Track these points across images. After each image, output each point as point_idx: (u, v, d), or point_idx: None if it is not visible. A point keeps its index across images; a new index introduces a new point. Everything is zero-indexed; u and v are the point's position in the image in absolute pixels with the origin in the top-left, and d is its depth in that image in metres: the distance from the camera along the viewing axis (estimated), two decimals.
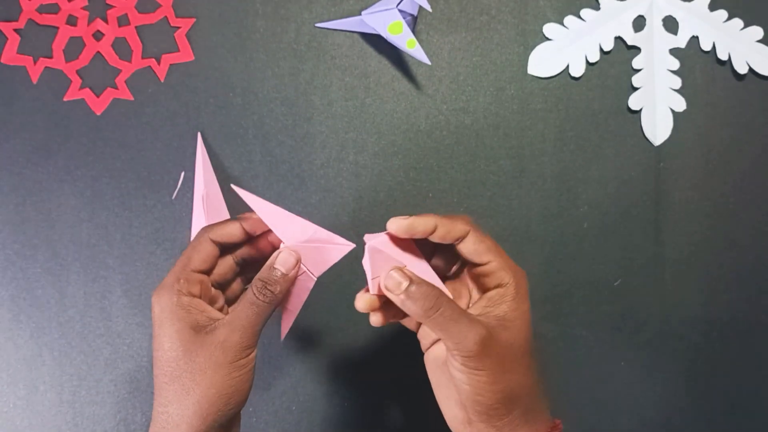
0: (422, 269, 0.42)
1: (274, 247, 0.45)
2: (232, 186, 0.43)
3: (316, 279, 0.43)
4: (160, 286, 0.41)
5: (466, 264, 0.43)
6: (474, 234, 0.41)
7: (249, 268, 0.47)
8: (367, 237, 0.42)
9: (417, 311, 0.39)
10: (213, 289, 0.44)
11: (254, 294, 0.41)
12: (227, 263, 0.45)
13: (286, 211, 0.43)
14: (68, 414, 0.53)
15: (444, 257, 0.45)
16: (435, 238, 0.41)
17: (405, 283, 0.39)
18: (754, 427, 0.55)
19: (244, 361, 0.40)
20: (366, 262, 0.41)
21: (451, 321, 0.39)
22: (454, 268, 0.45)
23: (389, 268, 0.40)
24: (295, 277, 0.43)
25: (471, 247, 0.41)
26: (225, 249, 0.44)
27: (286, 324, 0.45)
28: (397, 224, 0.40)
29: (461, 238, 0.41)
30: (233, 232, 0.43)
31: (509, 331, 0.40)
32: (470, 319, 0.39)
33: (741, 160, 0.55)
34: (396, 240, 0.42)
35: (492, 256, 0.41)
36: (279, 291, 0.41)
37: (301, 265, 0.43)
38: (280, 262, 0.42)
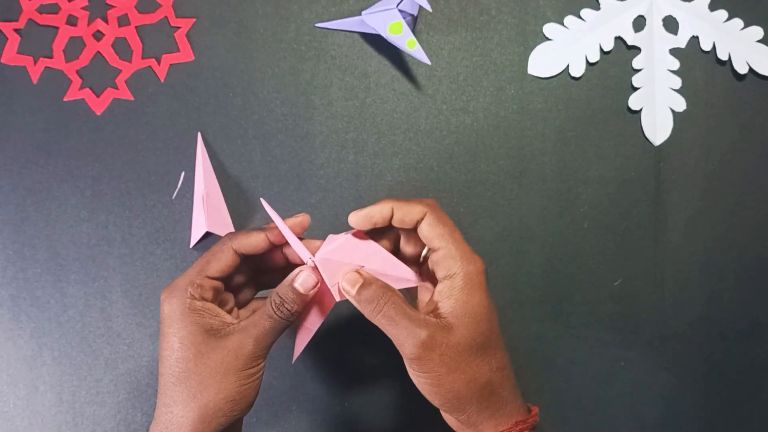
0: (382, 260, 0.42)
1: (290, 262, 0.45)
2: (262, 200, 0.43)
3: (338, 299, 0.42)
4: (171, 287, 0.41)
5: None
6: (430, 216, 0.41)
7: (263, 274, 0.46)
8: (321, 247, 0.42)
9: (365, 311, 0.40)
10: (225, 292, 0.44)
11: (272, 308, 0.41)
12: (242, 268, 0.44)
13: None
14: (68, 414, 0.53)
15: (411, 243, 0.44)
16: (396, 223, 0.42)
17: (358, 284, 0.40)
18: (754, 428, 0.55)
19: (254, 369, 0.40)
20: (321, 274, 0.41)
21: (393, 323, 0.39)
22: (423, 252, 0.45)
23: (347, 271, 0.41)
24: (312, 297, 0.42)
25: (425, 230, 0.41)
26: (246, 257, 0.44)
27: (301, 343, 0.44)
28: (355, 217, 0.42)
29: (420, 221, 0.41)
30: (258, 243, 0.42)
31: (455, 330, 0.39)
32: (411, 322, 0.39)
33: (741, 160, 0.55)
34: (348, 243, 0.42)
35: (443, 243, 0.40)
36: (296, 310, 0.41)
37: (325, 281, 0.42)
38: (300, 282, 0.41)
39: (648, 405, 0.55)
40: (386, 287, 0.40)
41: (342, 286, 0.41)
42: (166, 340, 0.40)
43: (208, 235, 0.53)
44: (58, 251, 0.53)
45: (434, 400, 0.40)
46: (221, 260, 0.42)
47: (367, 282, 0.40)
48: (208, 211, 0.52)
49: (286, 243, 0.43)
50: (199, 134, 0.54)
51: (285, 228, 0.42)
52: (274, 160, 0.54)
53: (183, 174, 0.54)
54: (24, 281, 0.53)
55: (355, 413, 0.54)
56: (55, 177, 0.54)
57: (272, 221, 0.42)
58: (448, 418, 0.42)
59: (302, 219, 0.43)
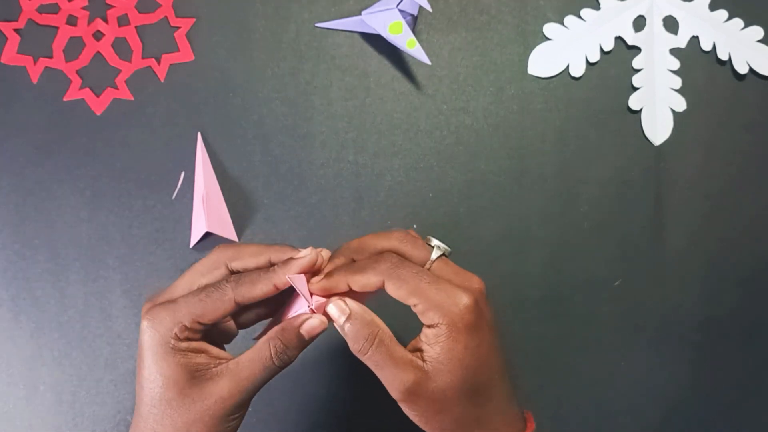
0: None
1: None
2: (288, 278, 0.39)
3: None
4: (155, 316, 0.38)
5: None
6: (390, 282, 0.38)
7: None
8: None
9: (350, 346, 0.38)
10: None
11: (271, 356, 0.38)
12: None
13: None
14: (68, 414, 0.53)
15: None
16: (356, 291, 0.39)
17: (344, 316, 0.38)
18: (754, 427, 0.55)
19: (240, 413, 0.39)
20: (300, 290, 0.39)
21: (378, 368, 0.38)
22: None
23: (334, 298, 0.39)
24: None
25: (393, 293, 0.38)
26: None
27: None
28: (315, 287, 0.39)
29: (381, 287, 0.39)
30: (264, 292, 0.38)
31: (442, 376, 0.37)
32: (397, 367, 0.37)
33: (741, 160, 0.55)
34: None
35: (417, 299, 0.37)
36: (296, 356, 0.39)
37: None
38: (307, 329, 0.39)
39: (648, 405, 0.55)
40: (372, 324, 0.38)
41: (329, 313, 0.39)
42: (149, 371, 0.38)
43: (208, 235, 0.53)
44: (58, 251, 0.53)
45: (424, 428, 0.40)
46: (218, 309, 0.38)
47: (353, 316, 0.38)
48: (208, 211, 0.52)
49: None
50: (199, 134, 0.54)
51: (304, 288, 0.39)
52: (274, 160, 0.54)
53: (183, 174, 0.54)
54: (24, 281, 0.53)
55: (355, 413, 0.54)
56: (55, 177, 0.54)
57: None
58: None
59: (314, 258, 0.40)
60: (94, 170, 0.54)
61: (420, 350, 0.38)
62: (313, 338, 0.39)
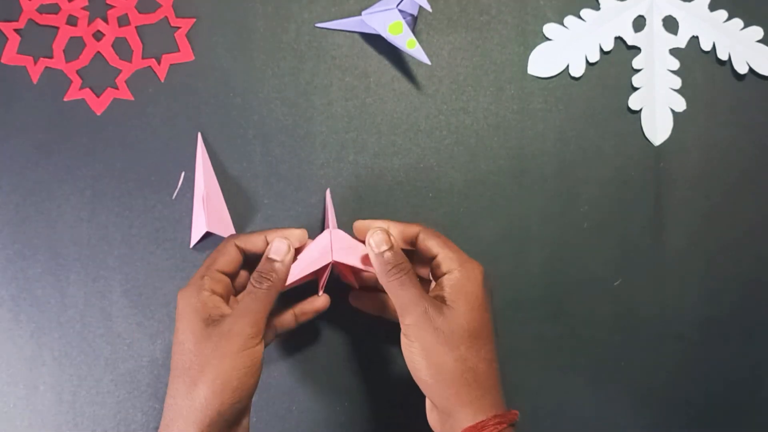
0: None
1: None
2: (328, 192, 0.49)
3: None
4: (187, 285, 0.44)
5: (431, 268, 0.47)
6: (424, 233, 0.46)
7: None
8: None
9: (380, 270, 0.43)
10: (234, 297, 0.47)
11: (252, 284, 0.43)
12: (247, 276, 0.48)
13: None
14: (68, 414, 0.53)
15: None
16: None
17: (384, 246, 0.44)
18: (753, 428, 0.55)
19: (249, 351, 0.42)
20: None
21: (403, 289, 0.43)
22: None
23: (375, 230, 0.45)
24: (291, 263, 0.45)
25: (423, 243, 0.46)
26: (248, 262, 0.47)
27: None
28: (359, 225, 0.48)
29: (415, 236, 0.46)
30: (257, 242, 0.46)
31: (451, 311, 0.42)
32: (418, 292, 0.43)
33: (741, 160, 0.55)
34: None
35: (440, 249, 0.45)
36: (275, 278, 0.44)
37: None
38: (273, 251, 0.45)
39: (648, 405, 0.55)
40: (405, 258, 0.44)
41: (368, 242, 0.44)
42: (175, 335, 0.43)
43: (208, 235, 0.53)
44: (58, 251, 0.53)
45: (421, 371, 0.42)
46: (226, 254, 0.45)
47: (394, 246, 0.44)
48: (208, 211, 0.52)
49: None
50: (199, 134, 0.54)
51: (330, 207, 0.48)
52: (274, 160, 0.54)
53: (183, 174, 0.54)
54: (24, 281, 0.53)
55: (355, 413, 0.54)
56: (55, 177, 0.54)
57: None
58: (429, 408, 0.44)
59: (301, 233, 0.47)
60: (94, 170, 0.54)
61: (432, 293, 0.45)
62: (286, 257, 0.45)
